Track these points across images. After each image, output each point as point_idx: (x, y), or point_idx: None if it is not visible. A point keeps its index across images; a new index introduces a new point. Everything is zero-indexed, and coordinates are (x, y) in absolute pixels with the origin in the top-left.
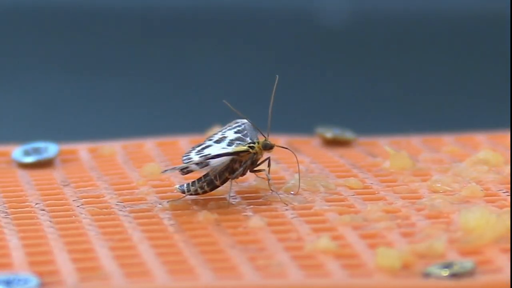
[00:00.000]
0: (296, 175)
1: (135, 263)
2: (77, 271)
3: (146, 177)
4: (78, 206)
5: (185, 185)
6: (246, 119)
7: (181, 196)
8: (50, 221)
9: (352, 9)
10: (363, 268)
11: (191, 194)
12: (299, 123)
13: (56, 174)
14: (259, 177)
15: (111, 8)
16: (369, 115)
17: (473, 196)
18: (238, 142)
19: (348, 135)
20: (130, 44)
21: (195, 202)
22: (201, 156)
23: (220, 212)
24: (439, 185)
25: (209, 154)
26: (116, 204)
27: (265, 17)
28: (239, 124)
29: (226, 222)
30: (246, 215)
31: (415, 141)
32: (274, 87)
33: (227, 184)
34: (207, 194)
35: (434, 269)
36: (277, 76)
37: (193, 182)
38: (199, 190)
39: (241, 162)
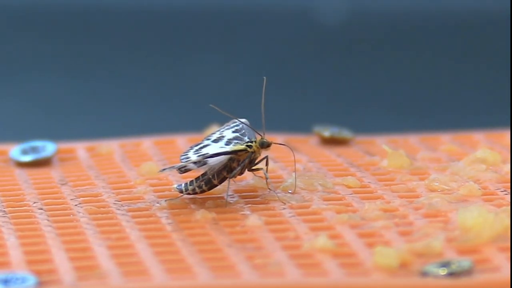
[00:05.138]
0: (294, 174)
1: (133, 262)
2: (75, 270)
3: (143, 176)
4: (75, 205)
5: (183, 184)
6: (237, 120)
7: (179, 195)
8: (47, 220)
9: (350, 8)
10: (360, 267)
11: (189, 193)
12: (296, 122)
13: (53, 173)
14: (257, 176)
15: (108, 8)
16: (366, 113)
17: (471, 195)
18: (236, 141)
19: (345, 133)
20: (128, 44)
21: (193, 201)
22: (199, 155)
23: (218, 211)
24: (437, 184)
25: (207, 153)
26: (114, 203)
27: (263, 16)
28: (237, 123)
29: (223, 221)
30: (243, 214)
31: (413, 139)
32: (263, 88)
33: (225, 183)
34: (205, 193)
35: (432, 268)
36: (264, 78)
37: (191, 181)
38: (197, 189)
39: (239, 161)
